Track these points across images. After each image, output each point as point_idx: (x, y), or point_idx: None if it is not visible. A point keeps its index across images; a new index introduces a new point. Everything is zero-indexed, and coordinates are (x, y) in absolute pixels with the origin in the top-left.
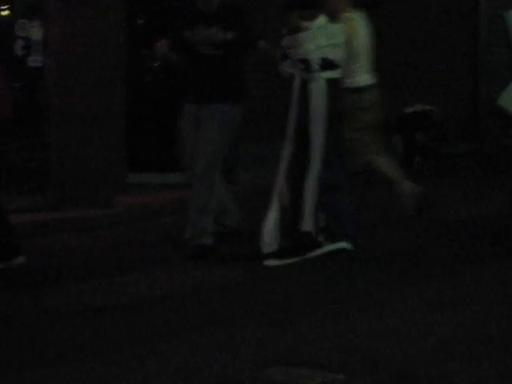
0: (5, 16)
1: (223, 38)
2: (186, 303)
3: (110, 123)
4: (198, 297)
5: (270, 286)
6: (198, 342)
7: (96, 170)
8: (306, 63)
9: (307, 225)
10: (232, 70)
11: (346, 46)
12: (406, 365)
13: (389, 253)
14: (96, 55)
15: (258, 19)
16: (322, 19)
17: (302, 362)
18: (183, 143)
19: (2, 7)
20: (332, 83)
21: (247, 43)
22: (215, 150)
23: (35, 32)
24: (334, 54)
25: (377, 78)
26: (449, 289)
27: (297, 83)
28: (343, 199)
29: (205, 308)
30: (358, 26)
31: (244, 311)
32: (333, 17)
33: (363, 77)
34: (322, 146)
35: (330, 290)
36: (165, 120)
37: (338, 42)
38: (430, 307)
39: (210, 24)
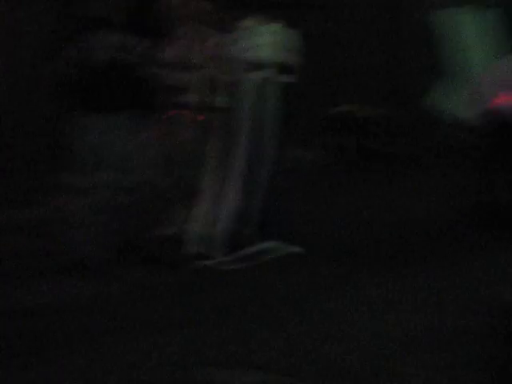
0: None
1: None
2: (107, 307)
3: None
4: (119, 300)
5: (202, 287)
6: (125, 345)
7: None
8: (254, 65)
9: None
10: None
11: None
12: (352, 366)
13: (326, 252)
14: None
15: None
16: (254, 20)
17: (234, 361)
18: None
19: None
20: (281, 85)
21: None
22: None
23: None
24: (267, 54)
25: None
26: (390, 290)
27: (246, 85)
28: (278, 199)
29: (130, 311)
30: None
31: (175, 313)
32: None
33: None
34: (273, 148)
35: (265, 291)
36: None
37: (270, 42)
38: (372, 309)
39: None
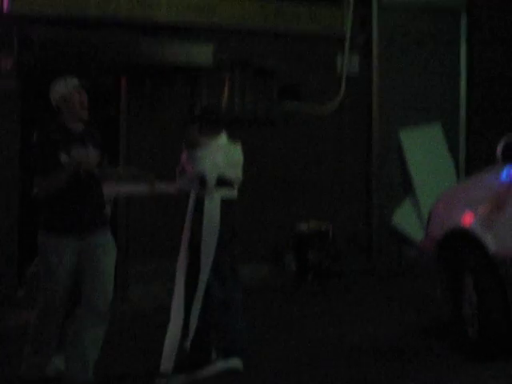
0: None
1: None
2: None
3: (2, 238)
4: None
5: None
6: None
7: None
8: (202, 180)
9: (193, 340)
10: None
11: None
12: None
13: (276, 371)
14: None
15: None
16: (222, 137)
17: None
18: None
19: None
20: (226, 202)
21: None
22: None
23: None
24: (230, 173)
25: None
26: None
27: (192, 199)
28: (236, 316)
29: None
30: None
31: None
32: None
33: None
34: (211, 263)
35: None
36: None
37: (235, 161)
38: None
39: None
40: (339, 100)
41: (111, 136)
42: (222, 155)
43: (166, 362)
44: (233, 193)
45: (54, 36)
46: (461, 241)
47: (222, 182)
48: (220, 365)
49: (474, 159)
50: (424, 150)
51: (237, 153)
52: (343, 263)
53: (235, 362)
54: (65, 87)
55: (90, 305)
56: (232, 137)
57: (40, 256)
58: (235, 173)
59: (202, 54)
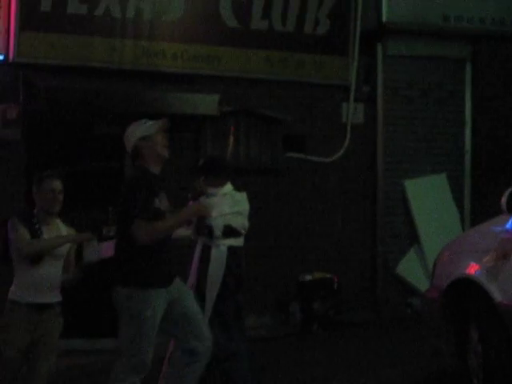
0: None
1: None
2: None
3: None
4: None
5: None
6: None
7: None
8: (208, 229)
9: None
10: None
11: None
12: None
13: None
14: None
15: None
16: (228, 186)
17: None
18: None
19: None
20: (233, 250)
21: None
22: None
23: None
24: (237, 222)
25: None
26: None
27: (198, 248)
28: (241, 366)
29: None
30: None
31: None
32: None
33: None
34: (210, 311)
35: None
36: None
37: (241, 210)
38: None
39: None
40: (344, 149)
41: (117, 186)
42: (228, 204)
43: None
44: (239, 241)
45: (60, 85)
46: (466, 290)
47: (229, 230)
48: None
49: (478, 209)
50: (429, 199)
51: (243, 201)
52: (348, 313)
53: None
54: (147, 130)
55: (206, 339)
56: (237, 186)
57: (125, 316)
58: (242, 221)
59: (206, 103)
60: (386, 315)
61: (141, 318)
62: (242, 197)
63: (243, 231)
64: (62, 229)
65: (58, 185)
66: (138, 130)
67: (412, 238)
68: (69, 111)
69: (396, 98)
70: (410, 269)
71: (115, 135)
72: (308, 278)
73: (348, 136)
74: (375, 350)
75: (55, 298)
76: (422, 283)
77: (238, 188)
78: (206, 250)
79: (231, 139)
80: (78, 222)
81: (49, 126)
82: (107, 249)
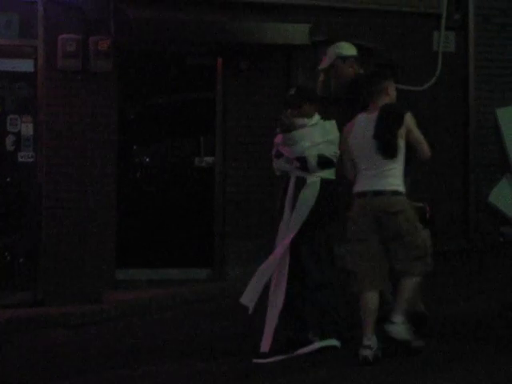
0: None
1: None
2: None
3: (100, 219)
4: None
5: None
6: None
7: (85, 265)
8: (302, 161)
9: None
10: None
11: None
12: None
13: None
14: (86, 151)
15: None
16: (316, 116)
17: None
18: None
19: None
20: (327, 182)
21: None
22: None
23: (26, 127)
24: (330, 151)
25: None
26: None
27: (292, 181)
28: (332, 296)
29: None
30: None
31: None
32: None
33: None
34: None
35: None
36: (155, 216)
37: (332, 139)
38: None
39: None
40: (435, 78)
41: (208, 116)
42: (319, 133)
43: (266, 342)
44: (332, 173)
45: (151, 16)
46: None
47: (323, 160)
48: (317, 344)
49: None
50: None
51: (333, 129)
52: (441, 242)
53: (332, 341)
54: None
55: None
56: (326, 115)
57: None
58: (334, 150)
59: (298, 33)
60: (479, 244)
61: None
62: (332, 125)
63: (335, 160)
64: None
65: None
66: None
67: (504, 166)
68: (160, 42)
69: (488, 26)
70: (503, 197)
71: (207, 66)
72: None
73: (439, 64)
74: (468, 278)
75: None
76: None
77: (327, 118)
78: (300, 183)
79: None
80: (170, 152)
81: (140, 58)
82: None
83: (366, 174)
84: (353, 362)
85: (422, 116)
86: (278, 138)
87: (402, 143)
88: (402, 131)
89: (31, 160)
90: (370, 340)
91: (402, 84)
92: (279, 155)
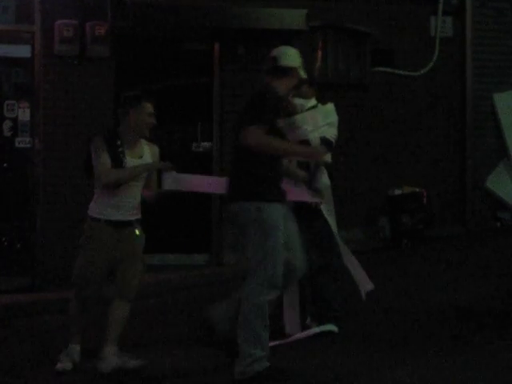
0: None
1: None
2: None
3: None
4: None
5: None
6: None
7: None
8: (305, 143)
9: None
10: None
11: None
12: None
13: (374, 336)
14: (84, 136)
15: None
16: (314, 99)
17: None
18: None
19: None
20: (326, 164)
21: None
22: None
23: (23, 113)
24: (330, 133)
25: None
26: (436, 371)
27: (294, 166)
28: (331, 281)
29: None
30: None
31: None
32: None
33: None
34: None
35: (314, 373)
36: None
37: (333, 121)
38: None
39: None
40: (433, 63)
41: (205, 102)
42: (320, 116)
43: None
44: (328, 156)
45: (148, 1)
46: None
47: (325, 142)
48: (315, 329)
49: None
50: None
51: (333, 112)
52: (437, 227)
53: (330, 327)
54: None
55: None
56: (324, 100)
57: (255, 230)
58: (334, 132)
59: (295, 18)
60: (475, 229)
61: (274, 229)
62: (332, 108)
63: (334, 142)
64: (145, 149)
65: (153, 108)
66: (291, 57)
67: (501, 151)
68: (157, 27)
69: (485, 11)
70: (499, 182)
71: (204, 51)
72: (397, 192)
73: (436, 50)
74: (465, 263)
75: (134, 216)
76: (511, 197)
77: (324, 102)
78: (303, 166)
79: (319, 54)
80: (167, 138)
81: (137, 43)
82: (189, 182)
83: None
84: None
85: (420, 101)
86: (279, 123)
87: None
88: None
89: (28, 146)
90: None
91: (398, 69)
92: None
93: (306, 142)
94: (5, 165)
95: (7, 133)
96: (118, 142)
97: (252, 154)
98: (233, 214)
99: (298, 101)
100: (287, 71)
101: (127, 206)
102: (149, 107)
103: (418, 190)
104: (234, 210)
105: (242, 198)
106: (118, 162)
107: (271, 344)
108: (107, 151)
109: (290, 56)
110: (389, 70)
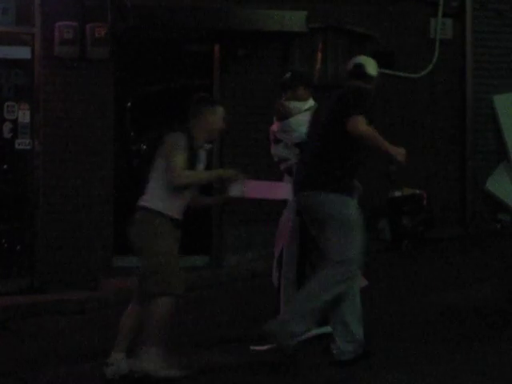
0: None
1: None
2: None
3: (97, 206)
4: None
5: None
6: None
7: (82, 252)
8: (301, 147)
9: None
10: None
11: None
12: None
13: (374, 337)
14: (83, 138)
15: None
16: (310, 101)
17: None
18: None
19: None
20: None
21: None
22: None
23: (23, 115)
24: None
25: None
26: (442, 373)
27: (294, 168)
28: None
29: None
30: None
31: None
32: None
33: None
34: None
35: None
36: None
37: None
38: None
39: None
40: (433, 65)
41: None
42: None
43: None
44: None
45: (148, 3)
46: None
47: None
48: (314, 331)
49: None
50: None
51: None
52: (437, 229)
53: (327, 329)
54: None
55: None
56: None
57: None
58: None
59: (295, 19)
60: (476, 231)
61: (355, 222)
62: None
63: None
64: (202, 154)
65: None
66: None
67: (501, 153)
68: (157, 29)
69: (485, 13)
70: (499, 184)
71: (204, 53)
72: (397, 194)
73: (436, 52)
74: (466, 265)
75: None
76: (511, 198)
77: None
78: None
79: (319, 56)
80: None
81: (137, 45)
82: (254, 189)
83: None
84: None
85: (420, 103)
86: (275, 126)
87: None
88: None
89: (28, 147)
90: None
91: (399, 71)
92: (277, 141)
93: (300, 146)
94: (5, 166)
95: (7, 134)
96: (195, 145)
97: (343, 148)
98: (315, 203)
99: (293, 104)
100: (372, 79)
101: (183, 207)
102: (223, 111)
103: (418, 191)
104: (317, 200)
105: (329, 190)
106: (192, 163)
107: (268, 347)
108: (184, 152)
109: (374, 66)
110: (389, 71)
